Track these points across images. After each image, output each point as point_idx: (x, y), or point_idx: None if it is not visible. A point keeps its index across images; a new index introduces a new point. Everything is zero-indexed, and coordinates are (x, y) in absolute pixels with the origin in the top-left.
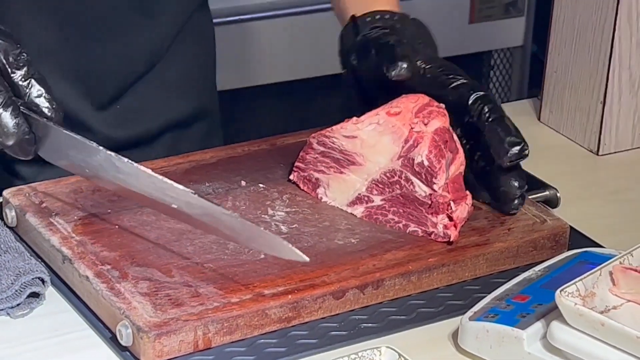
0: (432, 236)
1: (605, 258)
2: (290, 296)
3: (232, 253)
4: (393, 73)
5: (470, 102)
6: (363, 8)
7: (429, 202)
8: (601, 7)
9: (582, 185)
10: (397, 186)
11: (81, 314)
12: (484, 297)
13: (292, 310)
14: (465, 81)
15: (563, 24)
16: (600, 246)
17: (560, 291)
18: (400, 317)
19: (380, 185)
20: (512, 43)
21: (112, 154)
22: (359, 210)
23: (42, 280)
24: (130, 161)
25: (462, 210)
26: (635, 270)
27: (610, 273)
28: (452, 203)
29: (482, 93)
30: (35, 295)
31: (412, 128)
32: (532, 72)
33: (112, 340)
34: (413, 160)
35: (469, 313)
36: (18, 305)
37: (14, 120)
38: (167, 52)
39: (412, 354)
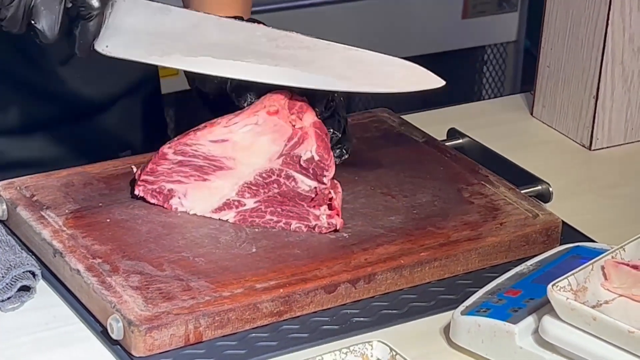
0: (316, 229)
1: (597, 253)
2: (281, 290)
3: (223, 247)
4: (245, 104)
5: None
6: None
7: (313, 195)
8: (594, 2)
9: (574, 180)
10: (275, 185)
11: (72, 308)
12: (476, 291)
13: (284, 304)
14: None
15: (556, 19)
16: (592, 241)
17: (552, 286)
18: (392, 312)
19: (254, 188)
20: (506, 38)
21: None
22: (229, 216)
23: (33, 274)
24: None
25: (339, 198)
26: (627, 265)
27: (602, 268)
28: (331, 192)
29: None
30: (26, 288)
31: (293, 125)
32: (525, 68)
33: (103, 333)
34: (299, 157)
35: (461, 307)
36: (9, 298)
37: None
38: None
39: (403, 349)
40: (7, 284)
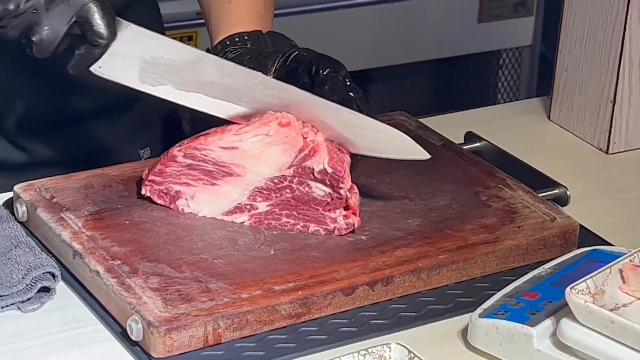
0: (335, 232)
1: (615, 256)
2: (300, 292)
3: (242, 249)
4: None
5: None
6: (217, 32)
7: (329, 200)
8: (612, 6)
9: (591, 184)
10: (288, 190)
11: (91, 309)
12: (494, 294)
13: (302, 306)
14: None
15: (574, 23)
16: (610, 244)
17: (571, 288)
18: (410, 314)
19: (266, 192)
20: (521, 42)
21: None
22: (242, 219)
23: (53, 275)
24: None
25: (355, 198)
26: None
27: (620, 271)
28: (347, 194)
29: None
30: (45, 289)
31: (305, 137)
32: (541, 72)
33: (123, 335)
34: (312, 169)
35: (479, 310)
36: (29, 299)
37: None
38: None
39: (421, 351)
40: (27, 285)
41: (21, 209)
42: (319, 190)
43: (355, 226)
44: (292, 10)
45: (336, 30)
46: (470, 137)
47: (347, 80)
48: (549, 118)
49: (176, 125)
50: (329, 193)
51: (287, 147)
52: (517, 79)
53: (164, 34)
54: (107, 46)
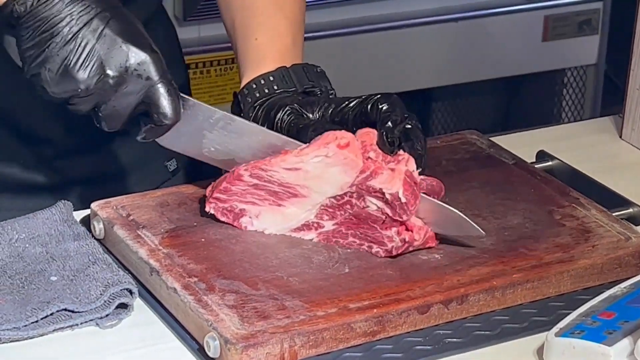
0: (393, 251)
1: None
2: (375, 310)
3: (316, 267)
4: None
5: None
6: (244, 72)
7: (383, 217)
8: None
9: None
10: (348, 206)
11: (169, 326)
12: (568, 313)
13: (377, 324)
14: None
15: None
16: None
17: None
18: (485, 333)
19: (330, 210)
20: (586, 61)
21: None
22: (310, 236)
23: (130, 292)
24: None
25: (414, 212)
26: None
27: None
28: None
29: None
30: (123, 306)
31: (367, 158)
32: (605, 91)
33: (200, 351)
34: (372, 187)
35: (555, 329)
36: (107, 316)
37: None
38: None
39: None
40: (105, 302)
41: (98, 227)
42: (372, 204)
43: (408, 240)
44: (358, 29)
45: (402, 49)
46: (542, 155)
47: (406, 116)
48: (620, 137)
49: None
50: (384, 211)
51: (347, 168)
52: (582, 98)
53: (181, 55)
54: (171, 126)
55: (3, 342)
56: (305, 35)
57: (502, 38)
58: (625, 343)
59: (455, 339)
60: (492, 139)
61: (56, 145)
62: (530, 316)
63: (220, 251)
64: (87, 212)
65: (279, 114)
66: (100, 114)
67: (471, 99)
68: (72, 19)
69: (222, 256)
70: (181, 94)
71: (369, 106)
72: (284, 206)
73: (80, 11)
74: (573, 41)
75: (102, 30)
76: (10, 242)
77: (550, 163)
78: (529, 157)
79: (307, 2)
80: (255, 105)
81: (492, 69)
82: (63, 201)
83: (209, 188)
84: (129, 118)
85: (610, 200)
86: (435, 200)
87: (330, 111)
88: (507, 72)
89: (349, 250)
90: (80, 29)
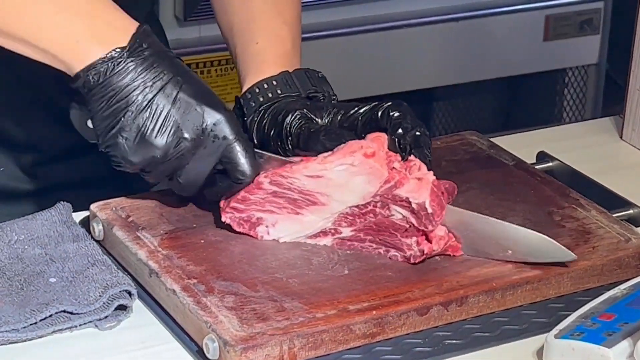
0: (411, 259)
1: None
2: (374, 312)
3: (316, 268)
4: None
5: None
6: (246, 76)
7: (407, 226)
8: None
9: None
10: (371, 214)
11: (167, 327)
12: (569, 315)
13: (377, 326)
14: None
15: None
16: None
17: None
18: (485, 334)
19: (350, 217)
20: (587, 61)
21: None
22: (325, 241)
23: (129, 293)
24: None
25: (436, 228)
26: None
27: None
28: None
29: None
30: (122, 307)
31: (392, 168)
32: (606, 91)
33: (199, 353)
34: (397, 196)
35: (555, 331)
36: (106, 317)
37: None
38: None
39: None
40: (104, 303)
41: (97, 228)
42: (397, 213)
43: (426, 252)
44: (358, 29)
45: (402, 49)
46: (542, 156)
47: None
48: (621, 137)
49: None
50: (409, 220)
51: (372, 178)
52: (583, 98)
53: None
54: (250, 183)
55: (2, 344)
56: (305, 35)
57: (502, 38)
58: (625, 345)
59: (454, 341)
60: (492, 139)
61: (45, 151)
62: (530, 318)
63: (220, 253)
64: (86, 213)
65: (288, 119)
66: (179, 179)
67: (471, 99)
68: (146, 87)
69: (222, 258)
70: (256, 150)
71: (379, 113)
72: (302, 214)
73: (154, 78)
74: (574, 41)
75: (176, 95)
76: (9, 243)
77: (550, 164)
78: (529, 158)
79: (307, 2)
80: (259, 109)
81: (492, 68)
82: (62, 202)
83: (222, 201)
84: (206, 181)
85: (610, 201)
86: (519, 227)
87: (339, 117)
88: (508, 72)
89: (348, 252)
90: (155, 95)
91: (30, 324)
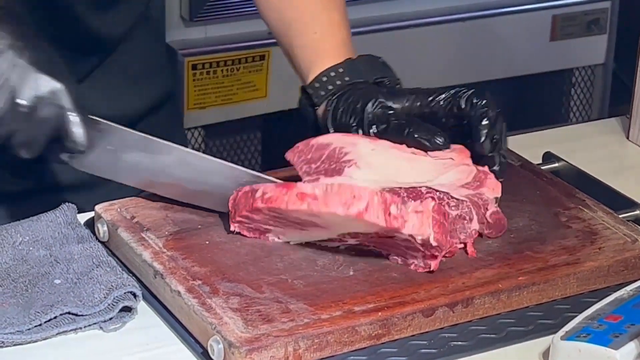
0: (413, 266)
1: None
2: (380, 313)
3: (321, 270)
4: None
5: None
6: (310, 66)
7: (410, 245)
8: None
9: None
10: (374, 232)
11: (172, 329)
12: (575, 316)
13: (382, 327)
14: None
15: None
16: None
17: None
18: (490, 336)
19: (353, 232)
20: (594, 61)
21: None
22: (334, 244)
23: (134, 295)
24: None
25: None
26: None
27: None
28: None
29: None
30: (127, 309)
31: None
32: (613, 91)
33: (204, 355)
34: (414, 236)
35: (561, 332)
36: (110, 319)
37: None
38: (125, 41)
39: None
40: (108, 305)
41: (102, 229)
42: (400, 234)
43: (432, 269)
44: (365, 29)
45: (409, 49)
46: (548, 157)
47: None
48: (627, 138)
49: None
50: (415, 246)
51: (369, 226)
52: (590, 98)
53: (167, 61)
54: (85, 153)
55: (6, 346)
56: None
57: (509, 38)
58: (631, 346)
59: (460, 342)
60: None
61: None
62: (536, 319)
63: (225, 254)
64: (91, 214)
65: (369, 107)
66: (14, 143)
67: None
68: None
69: (226, 259)
70: (94, 118)
71: (461, 100)
72: (307, 231)
73: None
74: (581, 41)
75: (15, 60)
76: (14, 245)
77: (556, 165)
78: (536, 159)
79: None
80: (332, 97)
81: (499, 68)
82: (67, 204)
83: (232, 210)
84: (48, 147)
85: (616, 202)
86: None
87: (418, 103)
88: (515, 72)
89: (353, 253)
90: None
91: (35, 326)
